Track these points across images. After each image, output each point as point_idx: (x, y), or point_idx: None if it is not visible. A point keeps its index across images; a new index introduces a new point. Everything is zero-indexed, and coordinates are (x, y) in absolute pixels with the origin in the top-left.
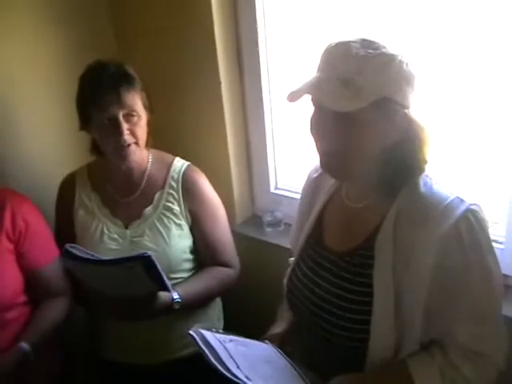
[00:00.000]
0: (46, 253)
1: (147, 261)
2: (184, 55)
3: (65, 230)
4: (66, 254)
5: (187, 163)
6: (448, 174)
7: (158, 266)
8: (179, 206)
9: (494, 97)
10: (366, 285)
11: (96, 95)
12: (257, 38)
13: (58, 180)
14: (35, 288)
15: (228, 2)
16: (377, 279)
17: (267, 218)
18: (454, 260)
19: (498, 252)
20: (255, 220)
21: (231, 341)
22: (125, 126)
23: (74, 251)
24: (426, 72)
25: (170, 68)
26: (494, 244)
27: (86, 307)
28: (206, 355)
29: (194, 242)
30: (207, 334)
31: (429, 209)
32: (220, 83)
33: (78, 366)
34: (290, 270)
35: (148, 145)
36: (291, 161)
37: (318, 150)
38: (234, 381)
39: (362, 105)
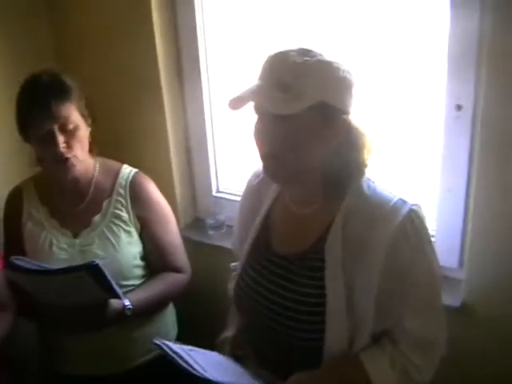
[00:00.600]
0: None
1: (95, 269)
2: (126, 64)
3: (14, 243)
4: (11, 267)
5: (135, 170)
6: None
7: (107, 274)
8: (127, 212)
9: (424, 101)
10: (318, 287)
11: (28, 112)
12: (196, 44)
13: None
14: None
15: (168, 14)
16: (329, 281)
17: (210, 221)
18: (401, 257)
19: None
20: (198, 223)
21: (191, 350)
22: (60, 139)
23: (19, 263)
24: (363, 79)
25: (112, 76)
26: None
27: (34, 321)
28: (177, 360)
29: (144, 249)
30: (170, 343)
31: (375, 210)
32: (161, 88)
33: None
34: (237, 275)
35: (92, 152)
36: (232, 164)
37: (260, 156)
38: (206, 379)
39: (300, 107)
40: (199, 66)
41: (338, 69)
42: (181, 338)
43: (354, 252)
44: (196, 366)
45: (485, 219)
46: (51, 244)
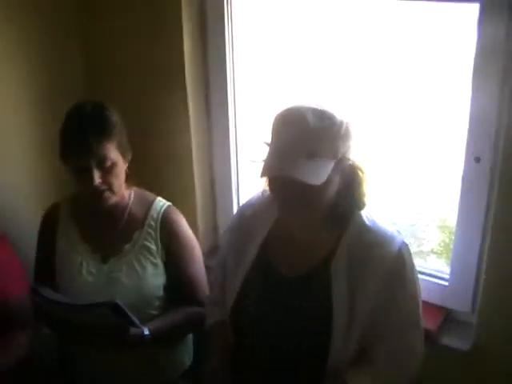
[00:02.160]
0: (16, 285)
1: (115, 307)
2: (156, 94)
3: (45, 259)
4: (34, 293)
5: (168, 203)
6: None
7: (126, 310)
8: (156, 245)
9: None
10: (324, 304)
11: (67, 144)
12: (225, 75)
13: (37, 212)
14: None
15: (198, 56)
16: (335, 298)
17: None
18: (398, 280)
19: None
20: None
21: None
22: (96, 175)
23: (42, 292)
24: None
25: (142, 104)
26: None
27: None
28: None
29: (168, 281)
30: None
31: (376, 238)
32: (188, 118)
33: None
34: (232, 301)
35: (128, 182)
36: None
37: (278, 201)
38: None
39: (328, 172)
40: (227, 98)
41: (347, 124)
42: (196, 366)
43: (358, 274)
44: None
45: (499, 266)
46: (81, 265)
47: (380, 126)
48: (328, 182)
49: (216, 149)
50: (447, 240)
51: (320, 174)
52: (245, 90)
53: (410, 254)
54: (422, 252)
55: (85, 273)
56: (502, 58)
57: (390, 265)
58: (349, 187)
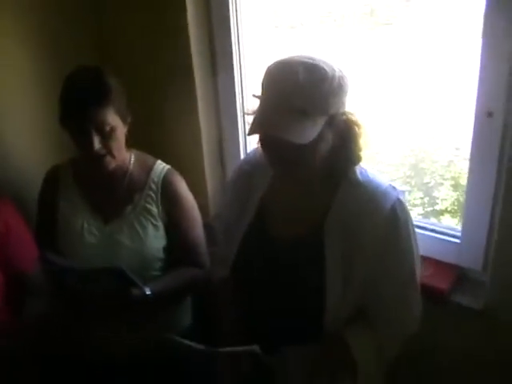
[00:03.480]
0: (28, 255)
1: (119, 271)
2: (162, 60)
3: (47, 221)
4: (43, 259)
5: (168, 166)
6: None
7: (130, 274)
8: (157, 207)
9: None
10: (318, 266)
11: (66, 109)
12: (230, 41)
13: (39, 177)
14: (15, 288)
15: (202, 18)
16: (329, 259)
17: None
18: (392, 236)
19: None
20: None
21: None
22: (96, 140)
23: (51, 258)
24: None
25: (149, 72)
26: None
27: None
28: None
29: (169, 243)
30: None
31: (369, 194)
32: (194, 81)
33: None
34: (232, 258)
35: (127, 145)
36: None
37: (268, 159)
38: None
39: (319, 129)
40: (232, 61)
41: (339, 78)
42: (194, 327)
43: (352, 232)
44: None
45: (511, 224)
46: (82, 227)
47: (393, 81)
48: (319, 139)
49: (223, 109)
50: (461, 199)
51: (309, 132)
52: (251, 48)
53: (403, 209)
54: (435, 211)
55: (86, 234)
56: None
57: (382, 221)
58: (344, 143)
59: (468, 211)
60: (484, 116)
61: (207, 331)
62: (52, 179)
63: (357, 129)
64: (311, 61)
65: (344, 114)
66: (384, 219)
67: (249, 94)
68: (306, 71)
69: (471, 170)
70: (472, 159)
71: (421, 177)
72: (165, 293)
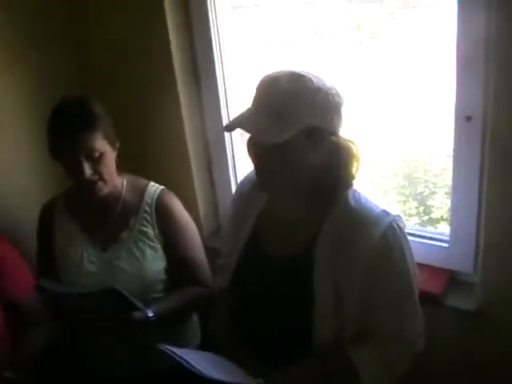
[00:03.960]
0: (24, 285)
1: (115, 292)
2: (145, 77)
3: (45, 253)
4: (39, 288)
5: (161, 187)
6: None
7: (126, 294)
8: (153, 229)
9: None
10: (307, 286)
11: (54, 139)
12: (212, 55)
13: (32, 211)
14: (15, 320)
15: (182, 22)
16: (317, 281)
17: None
18: (382, 262)
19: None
20: (220, 232)
21: (190, 352)
22: (86, 167)
23: (46, 286)
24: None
25: (133, 91)
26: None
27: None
28: (181, 362)
29: (169, 264)
30: (173, 348)
31: (359, 221)
32: (180, 106)
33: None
34: (229, 273)
35: (119, 170)
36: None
37: (254, 169)
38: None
39: (289, 135)
40: (216, 81)
41: (326, 93)
42: (202, 347)
43: (341, 258)
44: (198, 367)
45: (498, 224)
46: (82, 256)
47: (381, 93)
48: (291, 148)
49: (209, 131)
50: None
51: (275, 133)
52: (234, 66)
53: (395, 236)
54: (431, 219)
55: (86, 262)
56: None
57: (373, 249)
58: (332, 165)
59: (455, 215)
60: (463, 120)
61: (215, 352)
62: (47, 213)
63: (347, 153)
64: (302, 72)
65: (334, 135)
66: (373, 247)
67: (233, 111)
68: (291, 79)
69: (455, 174)
70: (455, 163)
71: (415, 186)
72: (168, 314)
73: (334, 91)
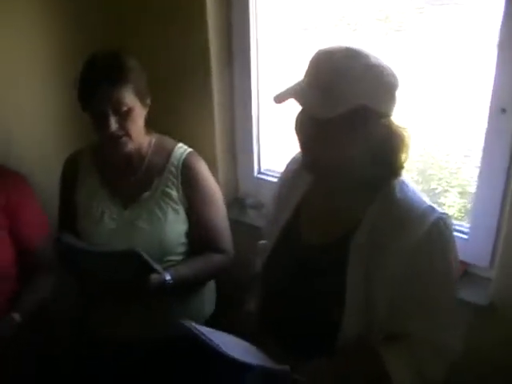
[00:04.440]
0: (37, 231)
1: (136, 254)
2: (178, 44)
3: (67, 208)
4: (59, 242)
5: (189, 150)
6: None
7: (146, 257)
8: (177, 191)
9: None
10: (340, 277)
11: (83, 91)
12: (248, 27)
13: (57, 162)
14: (25, 263)
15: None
16: (350, 273)
17: (250, 201)
18: (423, 263)
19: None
20: (238, 203)
21: (213, 332)
22: (113, 121)
23: (66, 239)
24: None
25: (165, 55)
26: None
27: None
28: (204, 340)
29: (190, 227)
30: (196, 325)
31: (404, 214)
32: (210, 68)
33: (68, 344)
34: (265, 256)
35: (148, 129)
36: (274, 147)
37: (300, 148)
38: (229, 358)
39: (339, 111)
40: (249, 50)
41: (381, 73)
42: (216, 314)
43: (378, 251)
44: (222, 347)
45: None
46: (103, 213)
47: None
48: (350, 135)
49: (237, 101)
50: (468, 206)
51: (328, 108)
52: (268, 37)
53: (440, 234)
54: None
55: (106, 219)
56: None
57: (414, 246)
58: (382, 151)
59: (477, 207)
60: (498, 112)
61: (230, 319)
62: (71, 164)
63: (398, 138)
64: (357, 49)
65: (385, 118)
66: (415, 244)
67: (263, 84)
68: (346, 55)
69: (483, 166)
70: (484, 154)
71: (428, 183)
72: (186, 279)
73: (389, 71)
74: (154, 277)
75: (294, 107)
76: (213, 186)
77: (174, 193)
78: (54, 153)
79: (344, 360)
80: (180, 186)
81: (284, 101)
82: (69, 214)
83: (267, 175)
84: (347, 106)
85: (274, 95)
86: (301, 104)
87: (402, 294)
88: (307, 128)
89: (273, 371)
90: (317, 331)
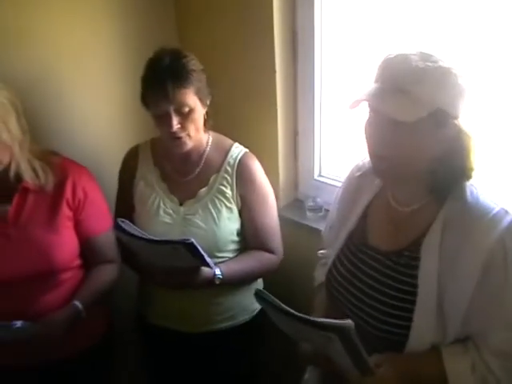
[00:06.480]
0: (100, 222)
1: (190, 245)
2: (242, 44)
3: (125, 200)
4: (117, 227)
5: (245, 150)
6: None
7: (201, 250)
8: (231, 190)
9: None
10: (410, 284)
11: (147, 89)
12: (313, 30)
13: (117, 155)
14: (89, 254)
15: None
16: (421, 280)
17: (309, 203)
18: (497, 272)
19: None
20: (297, 204)
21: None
22: (175, 121)
23: (124, 226)
24: (475, 81)
25: (228, 56)
26: None
27: (136, 272)
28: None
29: (242, 226)
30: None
31: (475, 219)
32: (275, 72)
33: (123, 327)
34: (329, 262)
35: (206, 127)
36: (335, 150)
37: (369, 154)
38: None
39: (421, 115)
40: (313, 53)
41: (456, 75)
42: (262, 314)
43: (450, 257)
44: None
45: None
46: (159, 207)
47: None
48: (424, 139)
49: (300, 103)
50: None
51: (407, 111)
52: (333, 41)
53: None
54: None
55: (162, 213)
56: None
57: (488, 253)
58: (454, 153)
59: None
60: None
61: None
62: (132, 158)
63: (467, 140)
64: (430, 52)
65: (455, 117)
66: (488, 250)
67: (327, 89)
68: (421, 58)
69: None
70: None
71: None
72: (235, 275)
73: (463, 73)
74: (204, 269)
75: (356, 113)
76: (267, 187)
77: (228, 191)
78: (117, 147)
79: (409, 358)
80: (235, 185)
81: (358, 105)
82: (126, 205)
83: (327, 178)
84: (427, 109)
85: (350, 102)
86: (379, 108)
87: (478, 304)
88: (385, 132)
89: (331, 325)
90: (383, 338)
